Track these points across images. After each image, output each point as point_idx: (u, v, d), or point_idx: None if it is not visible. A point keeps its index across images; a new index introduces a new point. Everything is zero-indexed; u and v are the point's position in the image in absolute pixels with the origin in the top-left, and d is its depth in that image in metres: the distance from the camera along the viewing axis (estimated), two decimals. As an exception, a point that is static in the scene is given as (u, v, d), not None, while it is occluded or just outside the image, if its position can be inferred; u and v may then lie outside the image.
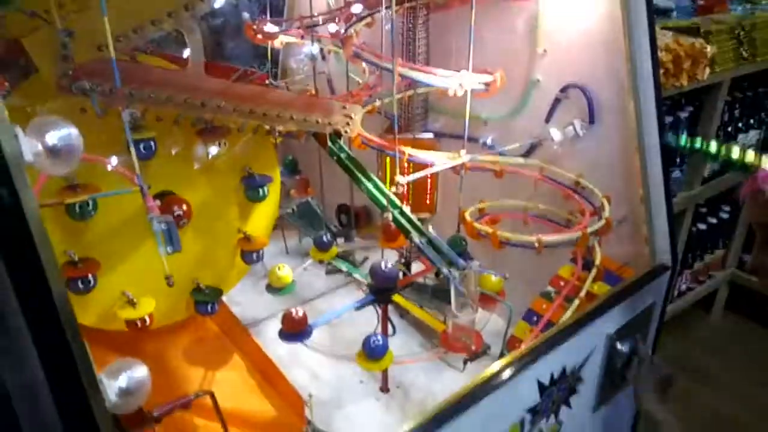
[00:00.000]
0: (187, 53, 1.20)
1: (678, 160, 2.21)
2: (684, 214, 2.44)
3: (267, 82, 1.64)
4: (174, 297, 1.40)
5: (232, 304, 1.64)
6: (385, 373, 1.53)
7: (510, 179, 1.59)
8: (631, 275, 1.43)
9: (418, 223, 1.32)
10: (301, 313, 1.28)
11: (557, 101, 1.50)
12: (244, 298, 1.76)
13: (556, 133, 1.45)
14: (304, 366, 1.60)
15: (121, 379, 0.75)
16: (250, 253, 1.44)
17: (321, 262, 1.99)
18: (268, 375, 1.46)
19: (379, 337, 1.21)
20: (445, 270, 1.22)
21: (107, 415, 0.66)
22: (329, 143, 1.45)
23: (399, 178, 1.31)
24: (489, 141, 1.69)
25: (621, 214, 1.46)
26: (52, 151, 0.70)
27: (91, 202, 1.15)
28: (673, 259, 1.42)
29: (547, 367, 1.14)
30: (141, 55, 1.26)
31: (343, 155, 1.45)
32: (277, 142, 1.48)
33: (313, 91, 1.90)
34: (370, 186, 1.39)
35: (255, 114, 1.28)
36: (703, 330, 3.04)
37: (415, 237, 1.28)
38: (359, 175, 1.41)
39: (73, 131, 0.70)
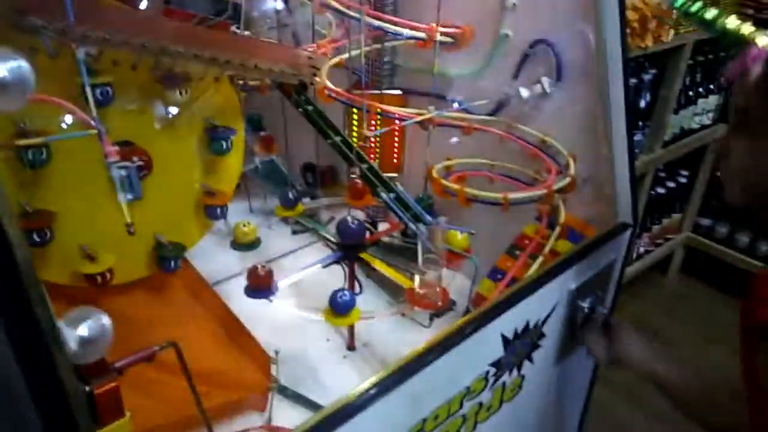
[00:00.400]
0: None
1: (640, 123, 2.24)
2: (644, 177, 2.50)
3: (232, 30, 1.58)
4: (136, 252, 1.37)
5: (196, 261, 1.60)
6: (351, 330, 1.53)
7: (476, 138, 1.58)
8: (593, 234, 1.45)
9: (386, 179, 1.30)
10: (266, 270, 1.27)
11: (526, 57, 1.49)
12: (209, 256, 1.73)
13: (523, 91, 1.45)
14: (270, 324, 1.58)
15: (82, 328, 0.73)
16: (213, 208, 1.41)
17: (286, 220, 1.97)
18: (233, 332, 1.45)
19: (346, 293, 1.20)
20: (412, 226, 1.22)
21: (68, 364, 0.64)
22: (294, 95, 1.41)
23: (366, 131, 1.29)
24: (458, 98, 1.68)
25: (586, 174, 1.48)
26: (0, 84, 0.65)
27: (44, 150, 1.10)
28: (634, 218, 1.45)
29: (510, 322, 1.16)
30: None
31: (309, 108, 1.42)
32: (240, 95, 1.44)
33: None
34: (337, 140, 1.37)
35: (217, 61, 1.24)
36: (660, 291, 3.15)
37: (383, 193, 1.27)
38: (327, 129, 1.38)
39: (24, 64, 0.66)
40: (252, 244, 1.47)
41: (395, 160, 1.87)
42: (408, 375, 0.99)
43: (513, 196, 1.32)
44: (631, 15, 1.84)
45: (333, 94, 1.46)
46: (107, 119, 1.21)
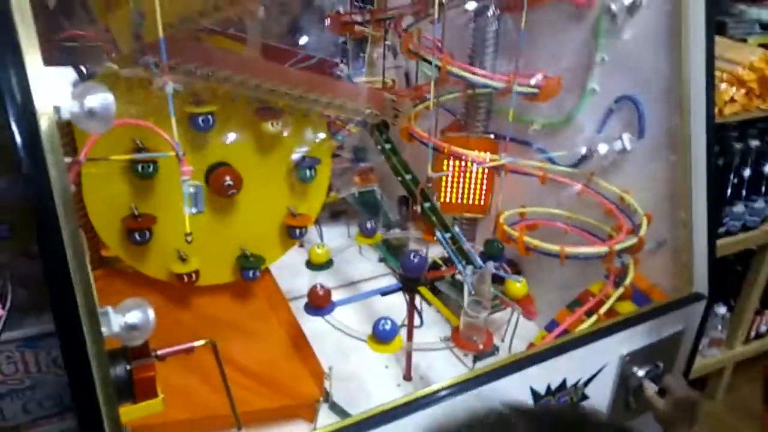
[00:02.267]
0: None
1: (763, 188, 2.06)
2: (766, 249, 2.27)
3: (339, 69, 1.74)
4: (222, 259, 1.55)
5: (281, 275, 1.75)
6: (408, 361, 1.60)
7: (559, 187, 1.59)
8: (662, 299, 1.39)
9: (444, 219, 1.36)
10: (325, 289, 1.38)
11: (610, 112, 1.48)
12: (292, 273, 1.88)
13: (602, 147, 1.44)
14: (335, 344, 1.69)
15: (129, 316, 0.88)
16: (294, 229, 1.55)
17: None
18: (297, 344, 1.58)
19: (389, 322, 1.27)
20: (459, 266, 1.26)
21: (101, 339, 0.78)
22: (377, 133, 1.53)
23: (430, 173, 1.36)
24: (543, 146, 1.70)
25: (662, 236, 1.42)
26: (90, 113, 0.83)
27: (152, 165, 1.31)
28: (710, 289, 1.36)
29: (543, 376, 1.15)
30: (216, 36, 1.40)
31: (387, 146, 1.52)
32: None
33: (388, 83, 2.00)
34: (407, 178, 1.45)
35: (306, 99, 1.39)
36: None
37: (439, 232, 1.33)
38: (399, 167, 1.48)
39: (109, 96, 0.83)
40: (323, 265, 1.59)
41: (481, 202, 1.91)
42: (420, 408, 1.03)
43: (570, 250, 1.31)
44: (746, 75, 1.73)
45: (414, 135, 1.55)
46: (207, 142, 1.42)
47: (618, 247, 1.31)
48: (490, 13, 1.60)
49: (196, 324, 1.54)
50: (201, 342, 1.06)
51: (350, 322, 1.74)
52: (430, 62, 1.43)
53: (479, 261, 1.28)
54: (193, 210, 1.05)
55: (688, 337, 1.39)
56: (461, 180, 1.88)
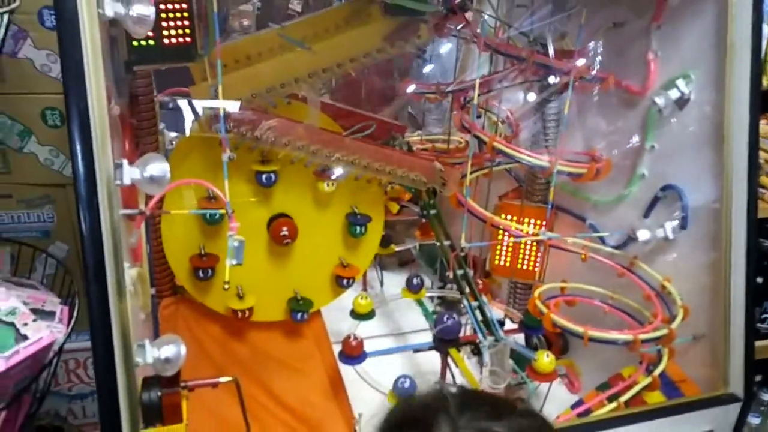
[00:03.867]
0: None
1: None
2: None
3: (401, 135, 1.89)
4: (276, 299, 1.71)
5: (334, 318, 1.88)
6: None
7: (605, 266, 1.60)
8: (694, 392, 1.36)
9: (475, 288, 1.43)
10: (358, 340, 1.48)
11: (657, 199, 1.48)
12: (342, 316, 1.99)
13: (642, 233, 1.45)
14: (374, 392, 1.78)
15: (163, 350, 1.04)
16: (342, 279, 1.68)
17: (431, 298, 2.17)
18: (335, 387, 1.69)
19: (408, 380, 1.35)
20: (480, 336, 1.32)
21: (132, 370, 0.94)
22: (425, 198, 1.63)
23: (463, 242, 1.44)
24: (595, 223, 1.72)
25: (700, 329, 1.40)
26: (150, 179, 1.01)
27: (218, 213, 1.49)
28: (746, 392, 1.31)
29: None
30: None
31: (432, 212, 1.61)
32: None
33: (461, 144, 2.11)
34: (445, 244, 1.54)
35: (359, 164, 1.52)
36: None
37: (465, 300, 1.40)
38: (440, 233, 1.56)
39: (165, 166, 1.00)
40: (366, 315, 1.70)
41: (531, 268, 1.94)
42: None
43: (594, 334, 1.33)
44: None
45: (462, 202, 1.64)
46: (270, 196, 1.59)
47: (644, 336, 1.31)
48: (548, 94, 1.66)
49: (246, 355, 1.70)
50: (226, 379, 1.19)
51: (392, 370, 1.82)
52: (478, 138, 1.51)
53: (501, 333, 1.33)
54: (234, 262, 1.20)
55: (718, 438, 1.34)
56: (513, 245, 1.93)
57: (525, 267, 1.95)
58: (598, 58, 1.51)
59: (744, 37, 1.22)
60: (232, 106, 1.39)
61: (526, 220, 1.89)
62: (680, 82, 1.35)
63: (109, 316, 0.89)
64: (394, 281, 2.41)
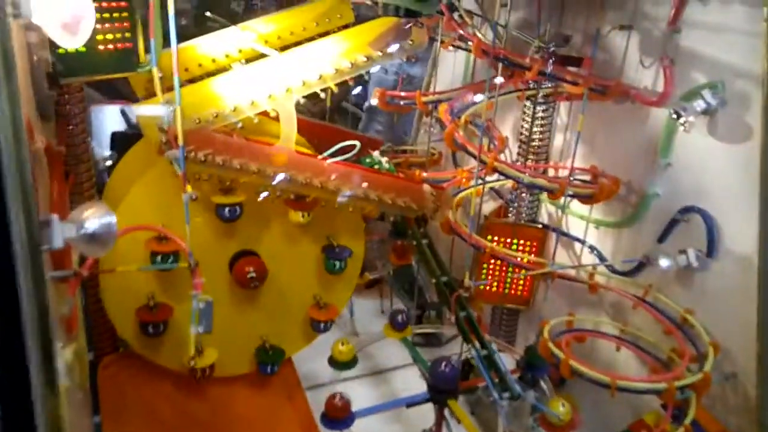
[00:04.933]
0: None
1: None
2: None
3: (383, 148, 1.67)
4: (241, 351, 1.45)
5: (303, 356, 1.63)
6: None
7: (614, 296, 1.45)
8: (730, 443, 1.21)
9: (482, 333, 1.23)
10: (344, 400, 1.26)
11: (674, 222, 1.33)
12: (320, 353, 1.76)
13: (663, 260, 1.29)
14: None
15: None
16: (318, 322, 1.44)
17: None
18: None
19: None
20: (495, 395, 1.12)
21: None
22: (414, 227, 1.42)
23: (467, 281, 1.24)
24: (597, 248, 1.56)
25: (730, 368, 1.25)
26: (91, 236, 0.75)
27: (173, 256, 1.22)
28: (788, 438, 1.18)
29: None
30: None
31: (424, 241, 1.41)
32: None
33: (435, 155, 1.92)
34: (442, 280, 1.34)
35: (340, 192, 1.29)
36: None
37: (474, 348, 1.20)
38: (434, 266, 1.36)
39: (110, 218, 0.74)
40: (347, 364, 1.47)
41: (523, 293, 1.77)
42: None
43: (623, 384, 1.16)
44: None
45: (455, 229, 1.44)
46: (235, 231, 1.33)
47: (679, 384, 1.15)
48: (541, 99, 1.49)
49: (206, 416, 1.44)
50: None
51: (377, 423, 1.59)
52: (475, 157, 1.32)
53: (518, 388, 1.14)
54: (200, 329, 0.95)
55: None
56: (503, 268, 1.75)
57: (515, 292, 1.78)
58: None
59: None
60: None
61: (516, 240, 1.72)
62: (706, 93, 1.19)
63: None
64: (364, 308, 2.19)
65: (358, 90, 2.16)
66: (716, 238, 1.25)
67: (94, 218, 0.74)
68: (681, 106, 1.22)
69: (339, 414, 1.25)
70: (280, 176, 1.19)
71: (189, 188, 0.98)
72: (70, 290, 0.87)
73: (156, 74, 0.99)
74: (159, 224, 1.19)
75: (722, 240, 1.25)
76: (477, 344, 1.22)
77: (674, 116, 1.24)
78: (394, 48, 1.18)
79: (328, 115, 1.94)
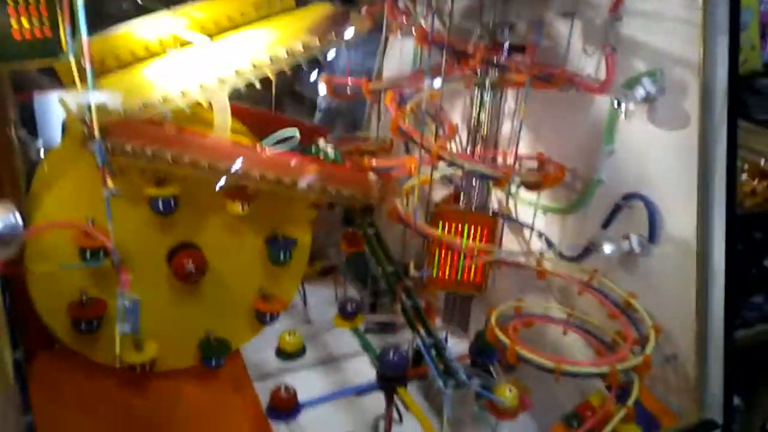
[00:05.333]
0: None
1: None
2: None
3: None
4: (184, 343, 1.41)
5: (252, 346, 1.60)
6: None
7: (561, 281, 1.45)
8: (673, 424, 1.23)
9: (429, 323, 1.22)
10: (289, 392, 1.24)
11: (617, 208, 1.34)
12: (268, 342, 1.72)
13: (607, 246, 1.30)
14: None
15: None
16: (263, 314, 1.41)
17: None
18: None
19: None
20: (440, 382, 1.12)
21: None
22: (359, 216, 1.40)
23: (413, 271, 1.22)
24: (538, 230, 1.56)
25: (671, 350, 1.28)
26: None
27: (102, 252, 1.17)
28: (726, 417, 1.21)
29: None
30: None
31: (370, 231, 1.39)
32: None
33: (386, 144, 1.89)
34: (389, 270, 1.32)
35: (283, 183, 1.26)
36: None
37: (419, 337, 1.19)
38: (382, 257, 1.34)
39: (13, 219, 0.70)
40: (294, 354, 1.45)
41: (476, 280, 1.76)
42: None
43: (568, 367, 1.17)
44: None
45: (403, 219, 1.42)
46: (170, 224, 1.29)
47: (621, 366, 1.16)
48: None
49: (150, 413, 1.40)
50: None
51: (329, 414, 1.57)
52: (420, 145, 1.30)
53: (463, 376, 1.13)
54: (126, 329, 0.91)
55: (697, 471, 1.23)
56: (454, 255, 1.74)
57: (468, 278, 1.77)
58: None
59: (720, 26, 1.09)
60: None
61: (467, 227, 1.71)
62: (645, 80, 1.19)
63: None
64: (317, 295, 2.16)
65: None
66: (657, 224, 1.26)
67: (-3, 218, 0.70)
68: (622, 93, 1.22)
69: (285, 405, 1.23)
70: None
71: (111, 183, 0.93)
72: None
73: (73, 63, 0.94)
74: (89, 218, 1.15)
75: (663, 226, 1.26)
76: (423, 333, 1.21)
77: (615, 104, 1.24)
78: (332, 35, 1.14)
79: (277, 102, 1.89)
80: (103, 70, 1.09)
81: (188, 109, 1.10)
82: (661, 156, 1.24)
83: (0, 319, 0.98)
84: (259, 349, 1.60)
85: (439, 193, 1.90)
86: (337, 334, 1.91)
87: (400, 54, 1.92)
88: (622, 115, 1.25)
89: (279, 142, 1.23)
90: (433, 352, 1.19)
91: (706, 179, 1.15)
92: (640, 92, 1.20)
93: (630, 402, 1.24)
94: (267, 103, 1.80)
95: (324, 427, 1.24)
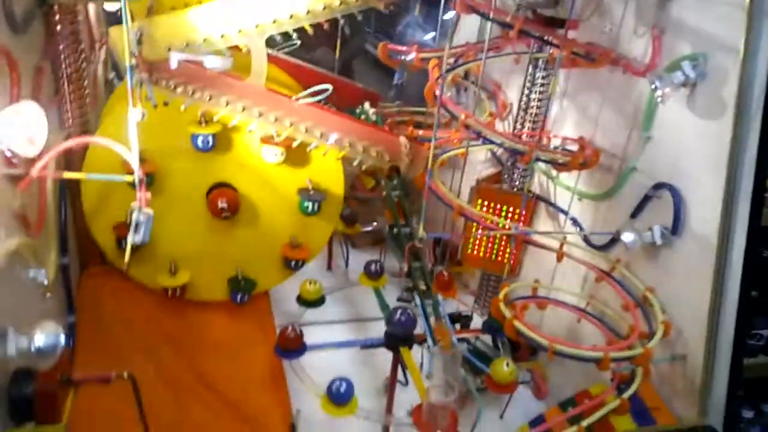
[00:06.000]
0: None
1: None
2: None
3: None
4: (216, 278, 1.53)
5: (284, 299, 1.70)
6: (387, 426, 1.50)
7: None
8: (667, 421, 1.19)
9: (430, 285, 1.25)
10: (296, 332, 1.31)
11: (647, 198, 1.30)
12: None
13: (627, 236, 1.26)
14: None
15: (35, 338, 0.87)
16: (289, 260, 1.50)
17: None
18: (275, 378, 1.52)
19: (344, 384, 1.18)
20: (429, 341, 1.15)
21: None
22: (386, 178, 1.44)
23: (421, 232, 1.26)
24: (577, 219, 1.53)
25: (681, 350, 1.23)
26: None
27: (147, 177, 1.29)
28: (726, 426, 1.15)
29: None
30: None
31: (394, 193, 1.43)
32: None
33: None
34: (403, 231, 1.36)
35: (312, 134, 1.33)
36: None
37: (418, 297, 1.23)
38: (397, 218, 1.38)
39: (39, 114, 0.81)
40: (314, 302, 1.52)
41: (505, 261, 1.76)
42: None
43: (560, 348, 1.16)
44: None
45: (430, 186, 1.45)
46: (211, 162, 1.40)
47: (615, 355, 1.14)
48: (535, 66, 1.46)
49: (180, 336, 1.53)
50: (122, 373, 1.02)
51: (342, 363, 1.64)
52: (451, 114, 1.32)
53: (454, 338, 1.16)
54: (137, 239, 1.02)
55: (690, 476, 1.18)
56: (489, 236, 1.74)
57: (498, 259, 1.77)
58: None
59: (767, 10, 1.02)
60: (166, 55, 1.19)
61: (504, 207, 1.71)
62: (686, 65, 1.14)
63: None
64: (361, 260, 2.22)
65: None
66: (682, 217, 1.21)
67: (22, 114, 0.81)
68: (659, 76, 1.18)
69: (290, 345, 1.30)
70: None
71: (141, 106, 1.04)
72: (22, 187, 0.96)
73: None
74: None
75: (688, 219, 1.21)
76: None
77: (652, 87, 1.19)
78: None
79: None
80: (153, 11, 1.20)
81: (227, 52, 1.19)
82: (693, 146, 1.18)
83: (52, 226, 1.13)
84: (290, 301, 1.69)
85: (485, 172, 1.91)
86: (371, 296, 1.98)
87: (463, 29, 1.93)
88: (659, 100, 1.20)
89: (312, 95, 1.29)
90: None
91: (734, 174, 1.09)
92: (678, 76, 1.15)
93: (626, 395, 1.21)
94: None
95: (324, 371, 1.30)
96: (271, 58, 1.53)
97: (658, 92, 1.18)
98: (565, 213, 1.56)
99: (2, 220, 0.94)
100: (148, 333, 1.51)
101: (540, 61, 1.53)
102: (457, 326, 1.68)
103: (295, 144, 1.33)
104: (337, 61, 1.91)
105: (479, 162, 2.05)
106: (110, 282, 1.51)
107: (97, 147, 1.31)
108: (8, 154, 0.86)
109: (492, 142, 1.34)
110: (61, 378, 0.92)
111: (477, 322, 1.70)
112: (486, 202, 1.71)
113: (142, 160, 1.30)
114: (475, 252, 1.84)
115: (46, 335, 0.88)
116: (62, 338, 0.89)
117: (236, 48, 1.22)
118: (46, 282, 1.09)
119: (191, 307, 1.55)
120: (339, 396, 1.19)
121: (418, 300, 1.26)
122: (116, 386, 1.07)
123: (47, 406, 0.90)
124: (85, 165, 1.31)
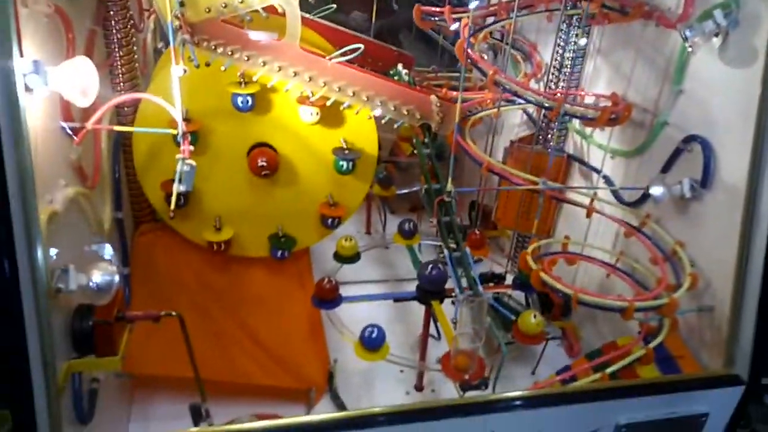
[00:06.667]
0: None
1: None
2: None
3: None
4: (259, 234, 1.61)
5: (324, 258, 1.77)
6: (421, 373, 1.57)
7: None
8: (693, 370, 1.22)
9: (459, 238, 1.30)
10: (332, 283, 1.38)
11: (678, 151, 1.30)
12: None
13: (655, 189, 1.27)
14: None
15: (93, 278, 0.96)
16: (326, 217, 1.57)
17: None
18: (314, 329, 1.61)
19: (375, 330, 1.25)
20: (457, 290, 1.20)
21: (43, 295, 0.85)
22: (416, 136, 1.48)
23: (450, 186, 1.29)
24: (609, 176, 1.54)
25: (710, 301, 1.24)
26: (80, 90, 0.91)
27: (191, 135, 1.37)
28: (753, 375, 1.16)
29: (508, 424, 1.07)
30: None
31: (426, 150, 1.47)
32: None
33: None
34: (433, 187, 1.40)
35: (344, 93, 1.38)
36: None
37: (446, 249, 1.27)
38: (427, 174, 1.43)
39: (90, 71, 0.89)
40: (350, 258, 1.59)
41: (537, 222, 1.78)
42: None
43: (584, 297, 1.19)
44: None
45: (459, 143, 1.48)
46: (252, 123, 1.47)
47: (640, 305, 1.16)
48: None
49: (224, 289, 1.63)
50: (170, 312, 1.11)
51: (377, 316, 1.71)
52: (481, 71, 1.34)
53: (480, 289, 1.20)
54: (182, 188, 1.10)
55: (714, 425, 1.19)
56: (517, 195, 1.76)
57: (531, 219, 1.79)
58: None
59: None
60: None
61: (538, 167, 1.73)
62: (717, 13, 1.13)
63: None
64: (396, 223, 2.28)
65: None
66: (712, 169, 1.21)
67: (76, 68, 0.89)
68: (689, 26, 1.17)
69: (327, 295, 1.38)
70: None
71: (183, 64, 1.10)
72: (77, 140, 1.04)
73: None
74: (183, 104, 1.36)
75: (718, 171, 1.21)
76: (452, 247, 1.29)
77: (683, 38, 1.19)
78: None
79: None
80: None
81: (264, 12, 1.24)
82: (724, 97, 1.18)
83: (107, 182, 1.22)
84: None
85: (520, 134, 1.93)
86: (407, 259, 2.04)
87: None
88: (690, 50, 1.20)
89: (344, 54, 1.33)
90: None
91: (764, 124, 1.08)
92: (709, 25, 1.15)
93: (654, 344, 1.24)
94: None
95: (360, 325, 1.37)
96: (307, 22, 1.59)
97: (689, 42, 1.18)
98: (598, 171, 1.57)
99: (61, 170, 1.03)
100: (196, 286, 1.61)
101: (574, 18, 1.54)
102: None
103: (328, 103, 1.38)
104: (373, 24, 1.95)
105: (515, 125, 2.06)
106: (161, 238, 1.61)
107: (146, 111, 1.41)
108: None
109: (521, 98, 1.36)
110: (117, 314, 1.02)
111: (509, 278, 1.75)
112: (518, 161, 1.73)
113: (187, 120, 1.40)
114: (508, 212, 1.87)
115: (103, 273, 0.97)
116: (117, 277, 0.98)
117: (274, 10, 1.27)
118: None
119: (235, 263, 1.64)
120: (371, 341, 1.26)
121: (446, 253, 1.31)
122: (167, 328, 1.17)
123: (105, 340, 1.00)
124: (138, 121, 1.40)
